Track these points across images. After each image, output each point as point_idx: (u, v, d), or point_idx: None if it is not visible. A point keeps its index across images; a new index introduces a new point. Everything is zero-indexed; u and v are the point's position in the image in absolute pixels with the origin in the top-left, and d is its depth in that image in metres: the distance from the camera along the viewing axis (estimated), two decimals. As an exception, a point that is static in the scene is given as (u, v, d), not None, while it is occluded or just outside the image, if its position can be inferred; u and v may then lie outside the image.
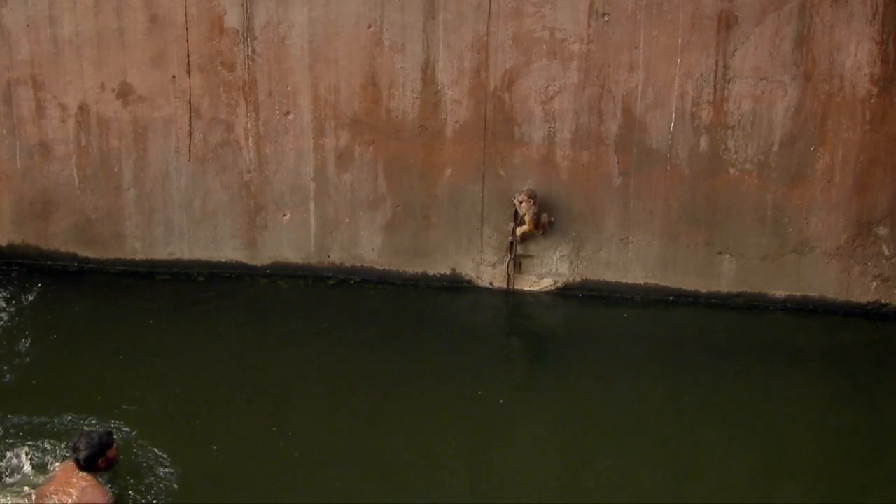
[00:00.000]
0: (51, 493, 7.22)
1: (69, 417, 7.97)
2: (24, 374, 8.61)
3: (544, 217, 9.57)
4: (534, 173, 9.60)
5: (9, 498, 7.33)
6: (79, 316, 9.53)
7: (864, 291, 9.59)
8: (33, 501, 7.28)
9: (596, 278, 9.82)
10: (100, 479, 7.30)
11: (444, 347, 9.11)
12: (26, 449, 7.74)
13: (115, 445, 7.41)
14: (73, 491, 7.20)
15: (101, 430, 7.52)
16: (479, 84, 9.49)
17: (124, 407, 8.17)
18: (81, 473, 7.29)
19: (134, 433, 7.86)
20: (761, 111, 9.29)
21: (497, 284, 9.91)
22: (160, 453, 7.69)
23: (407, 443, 7.93)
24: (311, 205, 9.90)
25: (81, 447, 7.30)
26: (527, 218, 9.57)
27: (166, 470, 7.58)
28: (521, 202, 9.48)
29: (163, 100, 9.77)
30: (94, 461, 7.31)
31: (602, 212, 9.64)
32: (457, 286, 9.96)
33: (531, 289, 9.91)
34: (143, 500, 7.39)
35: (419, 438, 8.03)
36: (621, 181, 9.56)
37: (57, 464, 7.59)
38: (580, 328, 9.60)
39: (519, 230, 9.65)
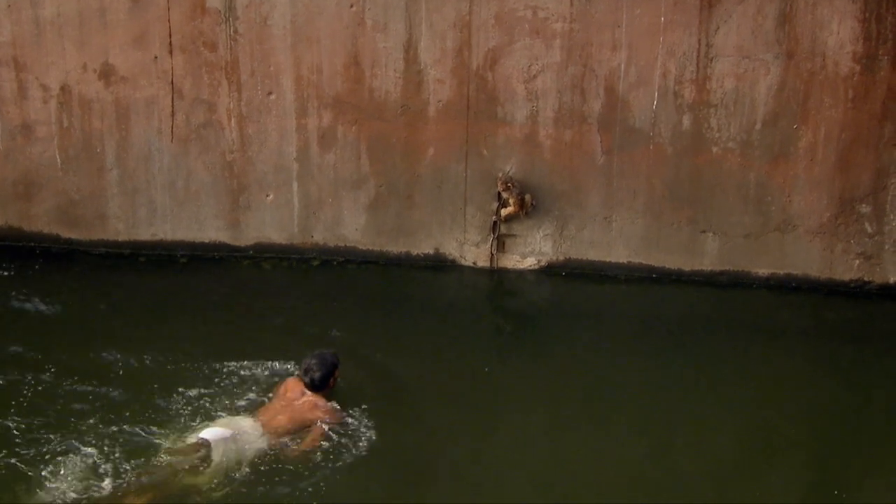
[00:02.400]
0: (282, 409, 7.55)
1: (46, 401, 7.91)
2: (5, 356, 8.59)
3: (528, 198, 9.58)
4: (517, 152, 9.60)
5: (238, 416, 7.55)
6: (62, 297, 9.47)
7: (847, 269, 9.60)
8: (259, 419, 7.48)
9: (579, 257, 9.82)
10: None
11: (427, 324, 9.11)
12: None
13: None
14: (304, 407, 7.57)
15: (329, 351, 7.88)
16: (461, 63, 9.48)
17: (105, 387, 8.13)
18: (309, 393, 7.66)
19: (112, 416, 7.81)
20: (744, 89, 9.29)
21: (480, 263, 9.92)
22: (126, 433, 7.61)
23: (392, 416, 7.90)
24: (294, 185, 9.89)
25: (315, 368, 7.68)
26: (511, 200, 9.58)
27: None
28: (501, 190, 9.50)
29: (145, 80, 9.74)
30: (326, 381, 7.70)
31: (585, 191, 9.64)
32: (440, 265, 9.96)
33: (515, 267, 9.92)
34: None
35: (404, 411, 8.01)
36: (604, 160, 9.56)
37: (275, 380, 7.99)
38: (564, 306, 9.60)
39: (504, 212, 9.66)
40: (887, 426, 8.15)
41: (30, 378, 8.07)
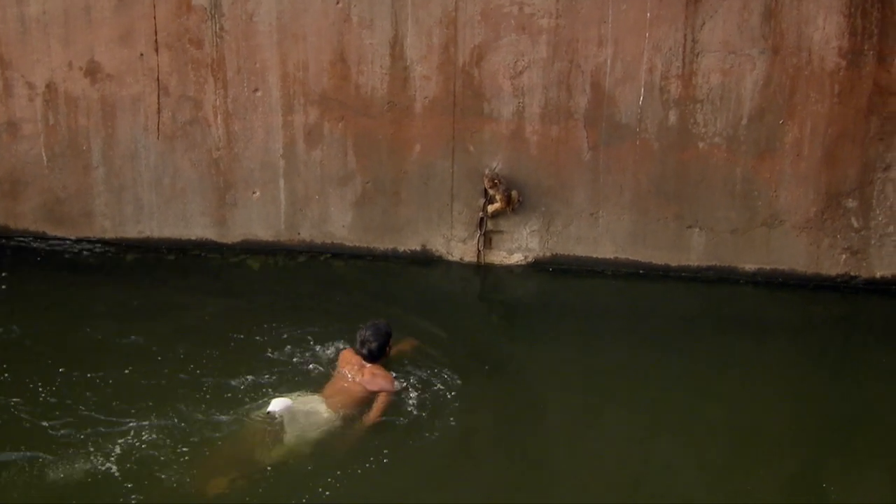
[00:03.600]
0: (344, 383, 7.73)
1: (35, 398, 7.91)
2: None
3: (514, 194, 9.58)
4: (503, 149, 9.59)
5: (297, 393, 7.65)
6: (47, 295, 9.46)
7: (834, 264, 9.61)
8: (323, 394, 7.65)
9: (566, 253, 9.83)
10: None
11: (415, 319, 9.07)
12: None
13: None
14: (366, 379, 7.71)
15: (382, 320, 8.03)
16: (447, 60, 9.47)
17: (91, 386, 8.12)
18: (367, 364, 7.79)
19: (100, 415, 7.80)
20: (730, 85, 9.29)
21: (467, 259, 9.91)
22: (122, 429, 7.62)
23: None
24: (281, 182, 9.88)
25: (371, 339, 7.82)
26: (498, 196, 9.58)
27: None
28: (488, 187, 9.51)
29: (131, 78, 9.74)
30: (383, 350, 7.86)
31: (572, 186, 9.64)
32: (427, 262, 9.96)
33: (501, 263, 9.92)
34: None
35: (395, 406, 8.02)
36: (591, 156, 9.56)
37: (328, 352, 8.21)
38: (550, 302, 9.59)
39: (490, 208, 9.66)
40: (874, 420, 8.13)
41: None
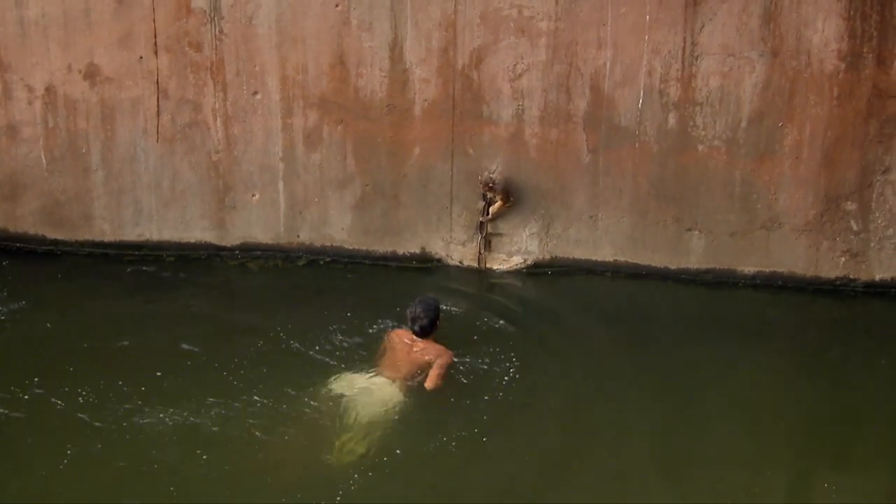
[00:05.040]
0: (399, 359, 8.09)
1: (34, 400, 7.93)
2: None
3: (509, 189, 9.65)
4: (502, 151, 9.60)
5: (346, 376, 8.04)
6: (47, 298, 9.47)
7: (833, 267, 9.61)
8: (380, 371, 8.01)
9: (565, 256, 9.83)
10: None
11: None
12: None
13: None
14: (421, 353, 8.09)
15: (429, 295, 8.46)
16: (447, 62, 9.47)
17: (91, 389, 8.13)
18: (419, 339, 8.18)
19: (107, 416, 7.82)
20: (729, 88, 9.29)
21: (467, 263, 9.92)
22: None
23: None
24: (280, 185, 9.88)
25: (422, 315, 8.18)
26: (498, 196, 9.60)
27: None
28: (485, 191, 9.59)
29: (130, 81, 9.73)
30: (434, 325, 8.21)
31: (571, 189, 9.64)
32: (427, 265, 9.96)
33: (501, 267, 9.92)
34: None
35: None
36: (590, 159, 9.56)
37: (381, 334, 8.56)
38: (550, 305, 9.57)
39: (492, 209, 9.66)
40: (873, 424, 8.16)
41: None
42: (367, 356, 8.38)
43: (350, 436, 7.53)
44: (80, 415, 7.77)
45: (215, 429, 7.66)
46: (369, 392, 7.82)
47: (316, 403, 7.82)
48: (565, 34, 9.30)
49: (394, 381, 7.92)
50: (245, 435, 7.60)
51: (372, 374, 8.02)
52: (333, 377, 8.05)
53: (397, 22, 9.43)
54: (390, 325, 8.65)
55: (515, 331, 9.06)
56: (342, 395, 7.82)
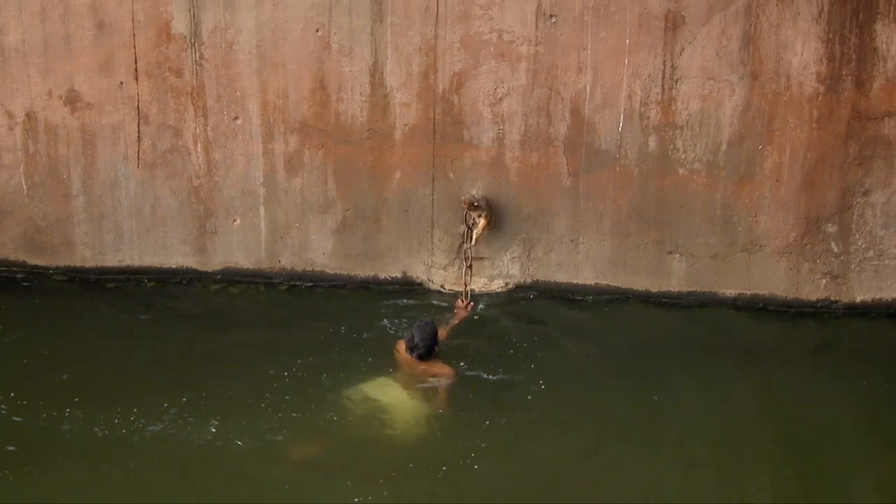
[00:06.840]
0: (409, 372, 8.42)
1: (11, 426, 7.90)
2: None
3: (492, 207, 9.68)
4: (483, 175, 9.60)
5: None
6: (27, 324, 9.45)
7: (814, 289, 9.63)
8: (395, 381, 8.38)
9: (547, 279, 9.83)
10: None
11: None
12: None
13: None
14: (426, 372, 8.42)
15: (425, 320, 8.69)
16: (427, 87, 9.49)
17: (73, 412, 8.11)
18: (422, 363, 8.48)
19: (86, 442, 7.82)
20: (709, 111, 9.32)
21: (448, 287, 9.91)
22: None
23: (364, 433, 8.04)
24: (261, 210, 9.88)
25: (420, 345, 8.43)
26: (482, 215, 9.59)
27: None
28: (469, 209, 9.56)
29: (110, 106, 9.73)
30: (432, 350, 8.47)
31: (552, 213, 9.65)
32: (408, 289, 9.95)
33: (482, 290, 9.91)
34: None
35: (371, 431, 8.09)
36: (571, 182, 9.57)
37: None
38: (531, 328, 9.53)
39: (476, 232, 9.65)
40: (855, 444, 8.18)
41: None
42: (348, 378, 8.50)
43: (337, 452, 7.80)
44: (58, 440, 7.79)
45: (197, 450, 7.73)
46: (380, 405, 8.19)
47: (298, 415, 8.07)
48: (545, 58, 9.32)
49: (406, 388, 8.31)
50: (231, 454, 7.72)
51: (382, 385, 8.37)
52: (348, 389, 8.37)
53: (377, 47, 9.44)
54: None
55: (493, 354, 9.05)
56: (351, 407, 8.20)
